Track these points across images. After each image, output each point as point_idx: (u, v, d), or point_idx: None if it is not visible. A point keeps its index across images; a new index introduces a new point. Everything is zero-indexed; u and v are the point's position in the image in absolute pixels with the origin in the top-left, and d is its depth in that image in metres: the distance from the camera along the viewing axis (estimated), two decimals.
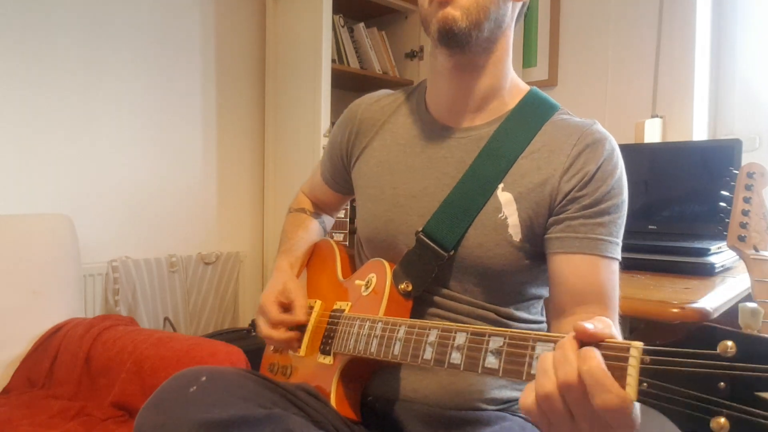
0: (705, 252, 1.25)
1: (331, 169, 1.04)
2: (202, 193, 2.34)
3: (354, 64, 2.52)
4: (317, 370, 0.87)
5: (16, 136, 1.82)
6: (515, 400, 0.86)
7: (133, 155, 2.11)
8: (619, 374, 0.47)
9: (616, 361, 0.48)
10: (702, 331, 0.44)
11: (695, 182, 1.61)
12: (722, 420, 0.41)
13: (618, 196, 0.79)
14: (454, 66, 0.83)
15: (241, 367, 1.33)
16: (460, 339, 0.64)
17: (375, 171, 0.92)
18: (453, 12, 0.76)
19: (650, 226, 1.62)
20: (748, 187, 1.01)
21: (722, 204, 1.03)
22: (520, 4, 0.84)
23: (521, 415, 0.85)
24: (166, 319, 2.16)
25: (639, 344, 0.47)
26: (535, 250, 0.81)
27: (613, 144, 0.81)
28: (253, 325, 2.18)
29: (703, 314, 0.95)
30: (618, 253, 0.79)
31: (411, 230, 0.84)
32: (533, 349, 0.56)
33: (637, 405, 0.50)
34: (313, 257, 1.08)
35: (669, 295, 1.02)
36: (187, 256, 2.24)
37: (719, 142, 1.82)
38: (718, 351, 0.42)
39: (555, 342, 0.54)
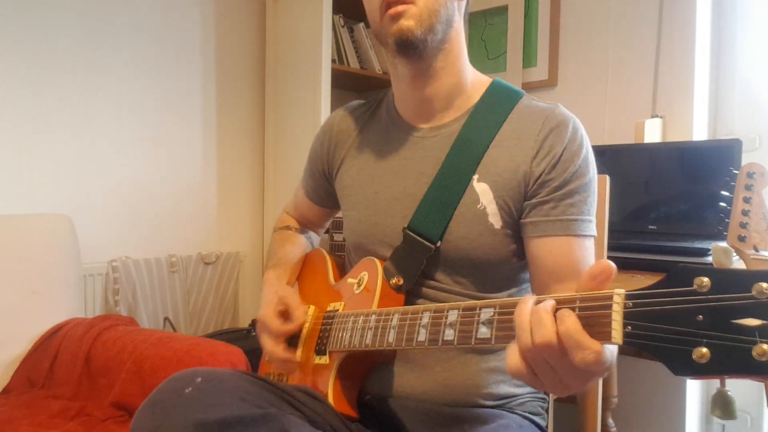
0: (705, 252, 1.25)
1: (313, 184, 1.07)
2: (202, 193, 2.34)
3: (354, 64, 2.52)
4: (313, 372, 0.87)
5: (16, 136, 1.82)
6: (512, 397, 0.86)
7: (133, 155, 2.11)
8: (605, 320, 0.50)
9: (601, 310, 0.51)
10: (678, 271, 0.46)
11: (695, 182, 1.61)
12: (703, 349, 0.43)
13: (585, 174, 0.82)
14: (415, 73, 0.86)
15: (240, 367, 1.33)
16: (452, 316, 0.66)
17: (356, 179, 0.94)
18: (407, 23, 0.79)
19: (650, 226, 1.62)
20: (748, 187, 1.01)
21: (722, 204, 1.03)
22: (464, 3, 0.88)
23: (519, 412, 0.86)
24: (166, 319, 2.16)
25: (621, 291, 0.50)
26: (517, 235, 0.85)
27: (577, 124, 0.84)
28: (253, 325, 2.19)
29: None
30: (591, 230, 0.82)
31: (396, 231, 0.87)
32: None
33: (610, 348, 0.53)
34: (304, 268, 1.08)
35: None
36: (187, 256, 2.24)
37: (719, 142, 1.82)
38: (694, 287, 0.45)
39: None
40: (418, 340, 0.69)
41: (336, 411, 0.81)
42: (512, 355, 0.55)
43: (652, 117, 1.98)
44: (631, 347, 0.49)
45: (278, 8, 2.42)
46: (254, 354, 1.17)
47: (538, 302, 0.55)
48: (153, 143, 2.16)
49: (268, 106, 2.48)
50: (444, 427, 0.81)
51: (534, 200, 0.81)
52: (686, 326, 0.45)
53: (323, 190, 1.06)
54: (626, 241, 1.38)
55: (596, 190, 0.84)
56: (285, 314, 0.93)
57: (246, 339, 2.06)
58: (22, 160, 1.84)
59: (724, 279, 0.44)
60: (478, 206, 0.82)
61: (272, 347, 0.90)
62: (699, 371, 0.43)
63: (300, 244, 1.11)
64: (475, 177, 0.83)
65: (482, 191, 0.83)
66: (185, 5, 2.23)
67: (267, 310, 0.93)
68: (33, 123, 1.86)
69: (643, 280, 1.20)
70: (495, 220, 0.82)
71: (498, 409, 0.84)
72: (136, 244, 2.12)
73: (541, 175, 0.81)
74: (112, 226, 2.06)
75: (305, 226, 1.16)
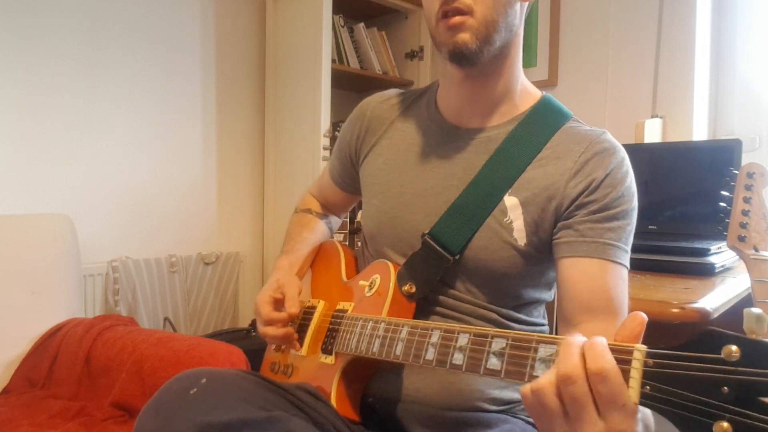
0: (705, 252, 1.25)
1: (339, 168, 1.04)
2: (202, 193, 2.34)
3: (354, 64, 2.52)
4: (318, 370, 0.87)
5: (17, 136, 1.82)
6: (517, 402, 0.85)
7: (133, 155, 2.11)
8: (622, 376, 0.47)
9: (619, 364, 0.47)
10: (707, 336, 0.43)
11: (695, 182, 1.61)
12: (725, 424, 0.41)
13: (628, 203, 0.78)
14: (465, 76, 0.83)
15: (241, 367, 1.33)
16: (463, 340, 0.64)
17: (382, 169, 0.92)
18: (463, 36, 0.76)
19: (650, 226, 1.61)
20: (748, 187, 1.01)
21: (722, 204, 1.03)
22: (528, 3, 0.83)
23: (523, 417, 0.85)
24: (166, 319, 2.16)
25: (642, 347, 0.47)
26: (539, 255, 0.81)
27: (623, 154, 0.81)
28: (253, 325, 2.19)
29: (703, 314, 0.95)
30: (626, 261, 0.78)
31: (415, 228, 0.85)
32: (536, 351, 0.56)
33: (648, 415, 0.49)
34: (318, 258, 1.07)
35: (669, 295, 1.02)
36: (187, 256, 2.24)
37: (719, 142, 1.82)
38: (722, 355, 0.42)
39: (557, 343, 0.54)
40: (426, 358, 0.67)
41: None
42: (526, 385, 0.52)
43: (652, 117, 1.98)
44: (644, 407, 0.46)
45: (278, 8, 2.42)
46: (255, 354, 1.17)
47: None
48: (153, 143, 2.16)
49: (268, 106, 2.48)
50: (447, 431, 0.80)
51: (570, 221, 0.78)
52: (709, 397, 0.42)
53: (348, 175, 1.03)
54: None
55: (635, 221, 0.79)
56: (280, 302, 0.92)
57: (246, 339, 2.06)
58: (22, 160, 1.84)
59: (756, 351, 0.41)
60: (505, 219, 0.80)
61: (262, 329, 0.91)
62: None
63: (319, 231, 1.09)
64: (508, 192, 0.81)
65: (512, 206, 0.80)
66: (185, 5, 2.23)
67: (263, 294, 0.92)
68: (33, 123, 1.86)
69: (643, 280, 1.19)
70: (519, 236, 0.79)
71: (502, 413, 0.83)
72: (136, 244, 2.12)
73: (578, 197, 0.77)
74: (112, 226, 2.06)
75: (327, 209, 1.14)
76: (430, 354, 0.67)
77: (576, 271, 0.76)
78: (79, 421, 1.30)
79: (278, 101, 2.44)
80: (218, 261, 2.34)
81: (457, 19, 0.75)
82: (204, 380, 0.73)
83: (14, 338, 1.53)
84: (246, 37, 2.45)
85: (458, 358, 0.63)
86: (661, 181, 1.66)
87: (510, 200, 0.80)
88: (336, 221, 1.17)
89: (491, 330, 0.62)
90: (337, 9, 2.32)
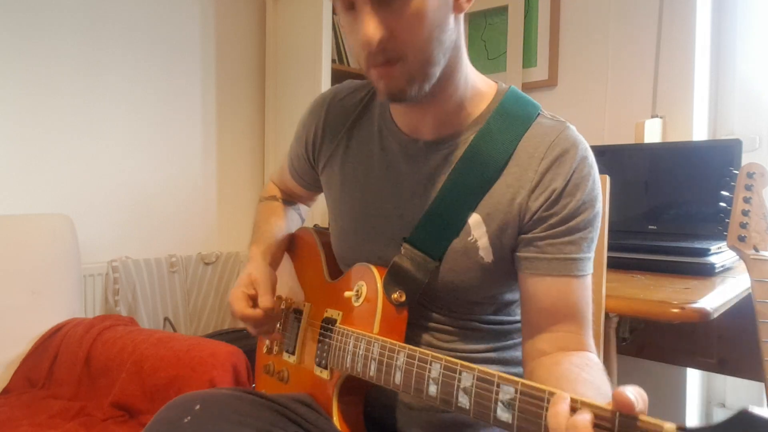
0: (705, 252, 1.25)
1: (298, 166, 1.01)
2: (202, 193, 2.34)
3: (354, 64, 2.52)
4: (316, 384, 0.86)
5: (17, 136, 1.82)
6: None
7: (133, 155, 2.11)
8: None
9: None
10: (741, 420, 0.40)
11: (695, 182, 1.60)
12: None
13: (589, 209, 0.74)
14: (409, 108, 0.80)
15: (241, 367, 1.34)
16: (467, 381, 0.61)
17: (344, 186, 0.89)
18: (398, 84, 0.69)
19: (650, 226, 1.62)
20: (748, 187, 1.01)
21: (722, 204, 1.03)
22: (462, 14, 0.75)
23: None
24: (166, 319, 2.16)
25: (672, 426, 0.45)
26: (508, 267, 0.79)
27: (583, 151, 0.76)
28: None
29: (703, 314, 0.95)
30: (589, 268, 0.76)
31: (384, 253, 0.82)
32: (547, 409, 0.53)
33: None
34: (295, 248, 1.04)
35: (669, 295, 1.02)
36: (187, 256, 2.24)
37: (719, 142, 1.82)
38: None
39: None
40: (429, 393, 0.64)
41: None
42: None
43: (652, 117, 1.98)
44: None
45: (278, 8, 2.42)
46: (254, 354, 1.17)
47: (572, 407, 0.50)
48: (153, 143, 2.16)
49: (268, 106, 2.48)
50: None
51: (529, 235, 0.75)
52: None
53: (308, 174, 0.99)
54: (626, 241, 1.38)
55: (599, 223, 0.77)
56: (254, 298, 0.89)
57: (246, 339, 2.06)
58: (22, 160, 1.84)
59: None
60: (469, 239, 0.77)
61: (245, 324, 0.90)
62: None
63: (288, 217, 1.06)
64: (474, 209, 0.77)
65: (474, 224, 0.76)
66: (185, 5, 2.23)
67: (236, 291, 0.89)
68: (33, 123, 1.86)
69: (643, 280, 1.20)
70: (485, 254, 0.76)
71: None
72: (136, 244, 2.12)
73: (538, 210, 0.74)
74: (112, 226, 2.06)
75: (292, 198, 1.11)
76: (433, 390, 0.64)
77: (539, 288, 0.75)
78: (79, 421, 1.30)
79: (278, 101, 2.44)
80: (218, 261, 2.34)
81: (388, 69, 0.69)
82: (198, 407, 0.72)
83: (14, 338, 1.53)
84: (246, 37, 2.45)
85: (463, 402, 0.60)
86: (661, 181, 1.65)
87: (473, 218, 0.77)
88: (305, 209, 1.13)
89: (496, 373, 0.58)
90: None
